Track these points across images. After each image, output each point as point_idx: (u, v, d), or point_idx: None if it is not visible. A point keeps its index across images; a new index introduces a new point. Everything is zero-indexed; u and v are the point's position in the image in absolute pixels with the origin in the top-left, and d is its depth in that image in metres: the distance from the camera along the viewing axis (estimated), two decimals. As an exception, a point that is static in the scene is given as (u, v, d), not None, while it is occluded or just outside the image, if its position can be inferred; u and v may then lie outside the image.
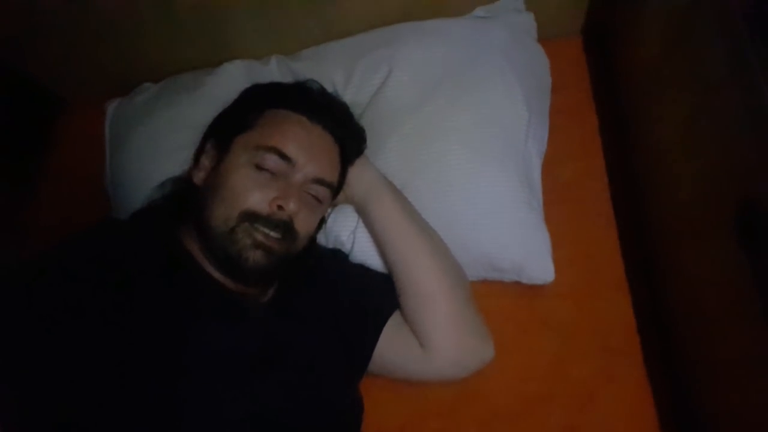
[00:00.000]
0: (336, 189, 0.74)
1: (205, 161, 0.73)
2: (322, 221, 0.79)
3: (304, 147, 0.68)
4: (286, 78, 0.91)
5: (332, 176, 0.72)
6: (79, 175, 1.05)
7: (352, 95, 0.87)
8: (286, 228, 0.66)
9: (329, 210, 0.81)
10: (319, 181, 0.69)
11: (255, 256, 0.64)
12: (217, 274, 0.67)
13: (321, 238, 0.83)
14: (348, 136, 0.75)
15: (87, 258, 0.61)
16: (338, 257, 0.81)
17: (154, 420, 0.55)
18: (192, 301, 0.63)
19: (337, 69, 0.89)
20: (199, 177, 0.73)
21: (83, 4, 0.91)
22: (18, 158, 1.12)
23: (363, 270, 0.80)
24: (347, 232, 0.81)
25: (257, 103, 0.73)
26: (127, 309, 0.57)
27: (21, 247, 1.02)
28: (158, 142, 0.90)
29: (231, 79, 0.92)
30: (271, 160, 0.67)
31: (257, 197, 0.65)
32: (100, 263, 0.60)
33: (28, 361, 0.54)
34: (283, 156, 0.67)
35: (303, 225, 0.68)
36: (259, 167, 0.66)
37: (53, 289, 0.56)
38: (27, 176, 1.12)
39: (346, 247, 0.81)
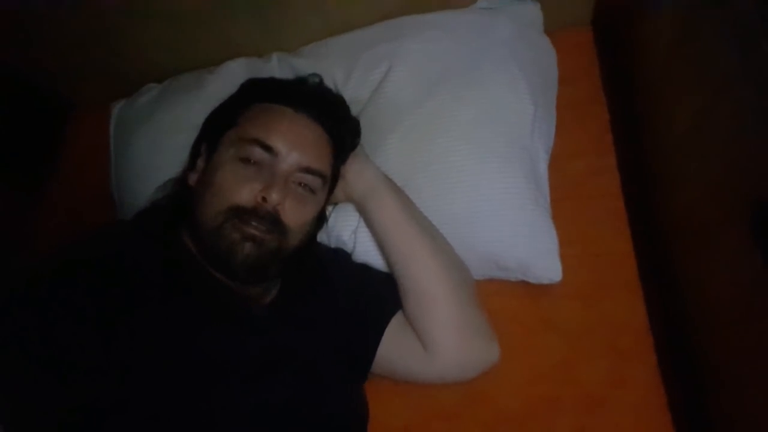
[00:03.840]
0: (329, 179, 0.72)
1: (200, 162, 0.73)
2: (323, 219, 0.78)
3: (287, 136, 0.67)
4: (287, 75, 0.90)
5: (320, 164, 0.69)
6: (87, 178, 1.07)
7: (352, 91, 0.85)
8: (273, 220, 0.64)
9: (330, 208, 0.80)
10: (307, 170, 0.67)
11: (245, 249, 0.63)
12: (218, 275, 0.67)
13: (323, 238, 0.82)
14: (339, 125, 0.73)
15: (90, 261, 0.60)
16: (340, 257, 0.80)
17: (158, 423, 0.54)
18: (194, 303, 0.62)
19: (337, 65, 0.88)
20: (193, 178, 0.72)
21: (86, 6, 0.91)
22: (28, 162, 1.14)
23: (365, 270, 0.79)
24: (349, 232, 0.80)
25: (244, 99, 0.73)
26: (130, 312, 0.57)
27: (30, 251, 1.03)
28: (161, 142, 0.90)
29: (233, 77, 0.91)
30: (255, 152, 0.66)
31: (243, 191, 0.64)
32: (103, 266, 0.60)
33: (32, 364, 0.53)
34: (265, 147, 0.66)
35: (291, 216, 0.66)
36: (245, 161, 0.66)
37: (57, 293, 0.56)
38: (36, 180, 1.13)
39: (348, 247, 0.80)
